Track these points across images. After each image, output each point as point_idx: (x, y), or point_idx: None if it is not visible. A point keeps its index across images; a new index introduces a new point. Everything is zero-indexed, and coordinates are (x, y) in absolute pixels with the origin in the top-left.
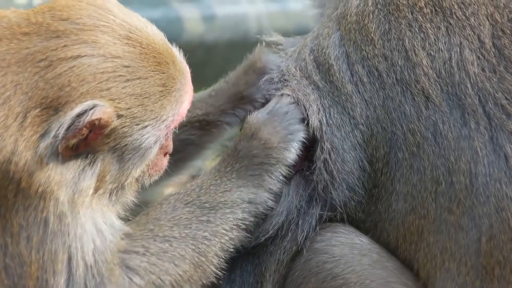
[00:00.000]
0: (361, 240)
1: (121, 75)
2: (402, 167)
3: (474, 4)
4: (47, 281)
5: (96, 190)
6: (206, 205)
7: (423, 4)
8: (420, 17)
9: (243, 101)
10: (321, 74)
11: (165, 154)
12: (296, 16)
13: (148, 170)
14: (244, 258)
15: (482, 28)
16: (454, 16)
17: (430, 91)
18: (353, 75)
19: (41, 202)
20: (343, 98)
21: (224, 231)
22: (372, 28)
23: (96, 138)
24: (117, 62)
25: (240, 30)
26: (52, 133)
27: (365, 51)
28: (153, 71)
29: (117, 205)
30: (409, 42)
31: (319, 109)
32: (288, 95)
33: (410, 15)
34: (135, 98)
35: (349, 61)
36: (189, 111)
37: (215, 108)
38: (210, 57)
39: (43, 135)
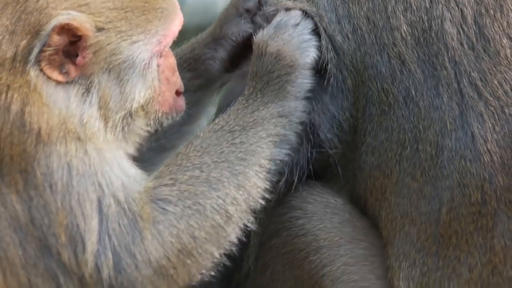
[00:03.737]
0: (335, 200)
1: None
2: (373, 122)
3: None
4: (78, 225)
5: (105, 121)
6: (236, 127)
7: None
8: None
9: (221, 34)
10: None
11: (177, 93)
12: None
13: (157, 104)
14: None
15: (466, 3)
16: None
17: (407, 56)
18: (341, 29)
19: (62, 146)
20: (336, 45)
21: (260, 149)
22: None
23: (85, 59)
24: None
25: (210, 15)
26: (34, 54)
27: (352, 9)
28: None
29: (134, 142)
30: (391, 8)
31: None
32: (298, 9)
33: None
34: (116, 12)
35: (337, 14)
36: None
37: (199, 44)
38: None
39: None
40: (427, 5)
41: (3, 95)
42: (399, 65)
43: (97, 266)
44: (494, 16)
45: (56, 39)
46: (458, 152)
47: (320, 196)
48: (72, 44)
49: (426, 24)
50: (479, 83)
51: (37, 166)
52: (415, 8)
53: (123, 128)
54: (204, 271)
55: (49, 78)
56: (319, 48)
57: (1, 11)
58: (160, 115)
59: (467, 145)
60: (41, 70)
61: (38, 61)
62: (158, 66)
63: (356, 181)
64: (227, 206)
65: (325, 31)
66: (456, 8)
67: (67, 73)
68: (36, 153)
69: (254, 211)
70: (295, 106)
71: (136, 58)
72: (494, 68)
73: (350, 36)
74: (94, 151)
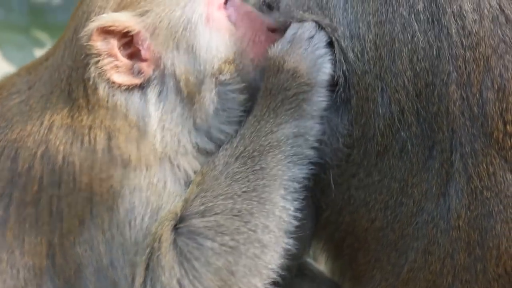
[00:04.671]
0: None
1: None
2: (369, 159)
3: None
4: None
5: (190, 100)
6: (255, 153)
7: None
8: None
9: None
10: (328, 28)
11: (272, 30)
12: None
13: (251, 52)
14: None
15: (474, 66)
16: (452, 40)
17: (406, 106)
18: (353, 47)
19: (146, 175)
20: (348, 60)
21: (281, 172)
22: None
23: (149, 50)
24: None
25: None
26: (92, 69)
27: (362, 29)
28: None
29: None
30: (398, 44)
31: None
32: (311, 20)
33: (407, 15)
34: None
35: (351, 30)
36: None
37: None
38: None
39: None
40: (435, 54)
41: (86, 138)
42: (398, 112)
43: None
44: (498, 94)
45: (101, 45)
46: (434, 218)
47: None
48: (128, 44)
49: (431, 78)
50: (469, 161)
51: (121, 202)
52: (422, 53)
53: (215, 99)
54: None
55: (124, 86)
56: (333, 61)
57: (63, 52)
58: (258, 61)
59: (442, 215)
60: (112, 82)
61: (102, 76)
62: (228, 15)
63: (340, 212)
64: (260, 236)
65: (338, 44)
66: (463, 69)
67: (141, 73)
68: (121, 188)
69: (289, 233)
70: (311, 126)
71: (194, 18)
72: (485, 150)
73: (360, 56)
74: (173, 172)
